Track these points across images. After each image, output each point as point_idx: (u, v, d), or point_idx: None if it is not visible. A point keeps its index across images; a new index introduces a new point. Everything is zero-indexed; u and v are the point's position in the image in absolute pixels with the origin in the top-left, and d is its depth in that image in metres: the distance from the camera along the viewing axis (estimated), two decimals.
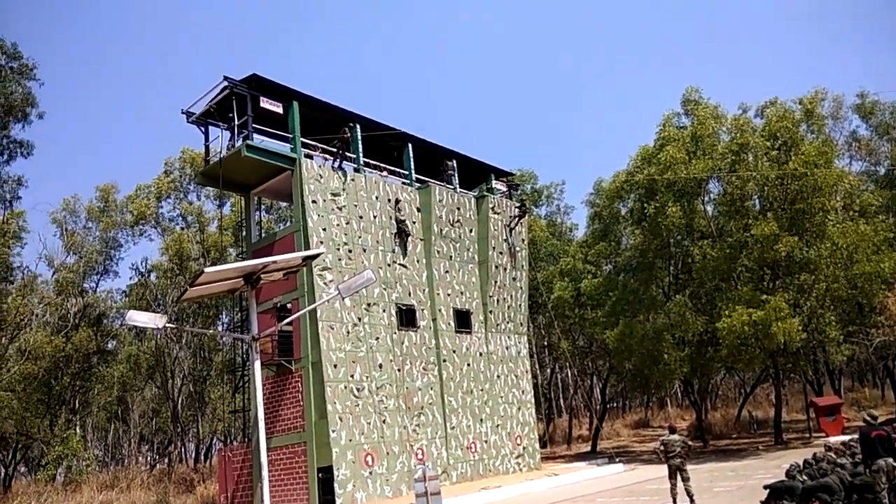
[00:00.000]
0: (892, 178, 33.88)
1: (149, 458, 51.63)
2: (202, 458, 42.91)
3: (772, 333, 22.65)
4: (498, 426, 23.60)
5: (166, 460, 44.22)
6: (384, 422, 19.40)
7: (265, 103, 19.18)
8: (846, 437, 18.75)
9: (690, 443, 14.77)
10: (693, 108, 28.83)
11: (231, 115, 19.32)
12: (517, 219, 25.62)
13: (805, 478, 10.92)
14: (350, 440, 18.26)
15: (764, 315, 22.68)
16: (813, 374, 38.53)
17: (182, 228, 36.85)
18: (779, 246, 23.83)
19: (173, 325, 9.38)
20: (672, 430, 14.33)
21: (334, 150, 20.19)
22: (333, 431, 17.93)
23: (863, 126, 35.25)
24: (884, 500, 9.83)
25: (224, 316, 39.59)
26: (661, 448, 13.90)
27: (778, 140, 26.35)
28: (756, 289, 25.08)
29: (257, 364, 9.10)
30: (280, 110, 19.61)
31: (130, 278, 39.95)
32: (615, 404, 53.29)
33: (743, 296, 24.37)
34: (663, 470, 14.73)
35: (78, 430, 37.66)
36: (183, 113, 20.02)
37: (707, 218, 28.76)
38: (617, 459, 26.36)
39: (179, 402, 40.47)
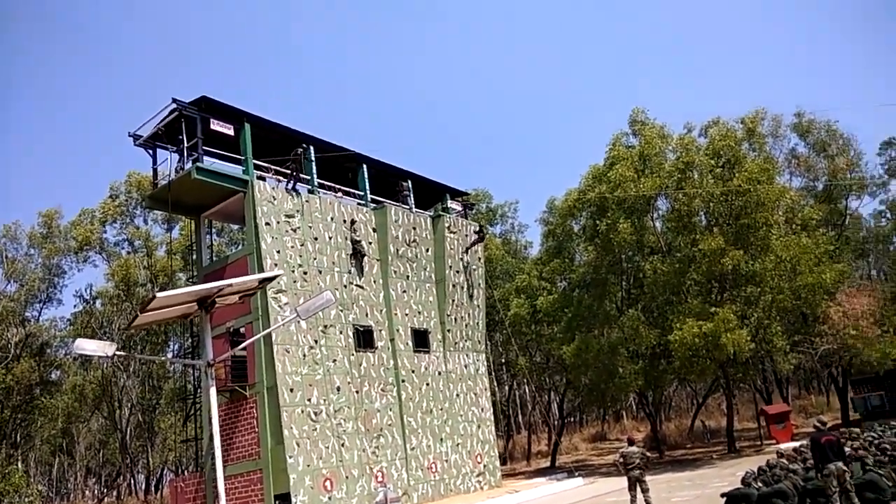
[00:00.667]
0: (829, 193, 35.38)
1: (96, 492, 49.59)
2: (153, 489, 41.48)
3: (721, 344, 23.25)
4: (458, 445, 23.49)
5: (115, 493, 42.55)
6: (343, 445, 19.11)
7: (216, 125, 18.90)
8: (796, 444, 19.31)
9: (649, 454, 14.98)
10: (640, 129, 29.65)
11: (180, 137, 18.97)
12: (475, 243, 25.73)
13: (760, 484, 11.20)
14: (308, 465, 17.91)
15: (713, 327, 23.28)
16: (762, 383, 39.66)
17: (129, 253, 35.85)
18: (725, 260, 24.56)
19: (123, 353, 9.10)
20: (630, 443, 14.51)
21: (288, 171, 19.99)
22: (290, 457, 17.56)
23: (801, 144, 36.75)
24: (836, 503, 10.13)
25: (173, 342, 38.55)
26: (621, 460, 14.06)
27: (721, 158, 27.27)
28: (705, 301, 25.76)
29: (212, 391, 8.86)
30: (231, 132, 19.35)
31: (75, 306, 38.65)
32: (573, 419, 53.66)
33: (693, 309, 24.99)
34: (622, 482, 14.88)
35: (20, 465, 35.97)
36: (130, 136, 19.54)
37: (656, 234, 29.49)
38: (576, 473, 26.52)
39: (128, 432, 39.12)
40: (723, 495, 11.45)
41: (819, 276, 25.14)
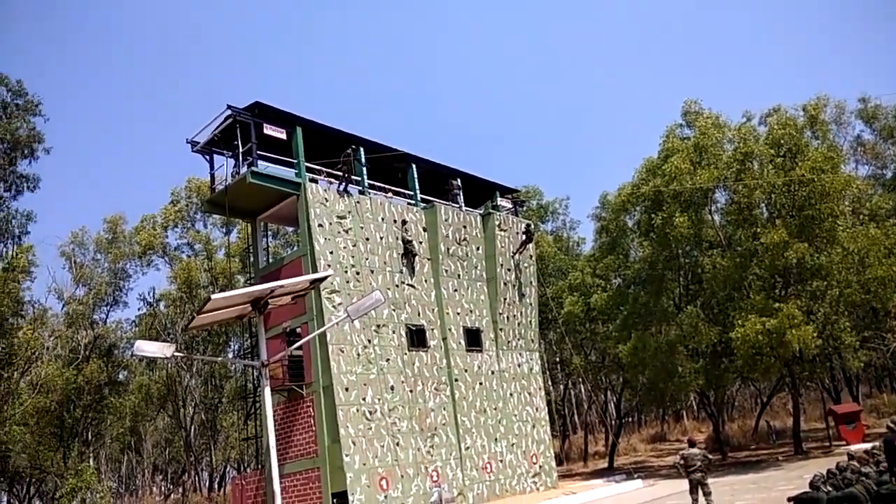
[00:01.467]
0: None
1: (163, 489, 51.41)
2: (216, 486, 42.66)
3: (786, 341, 22.39)
4: (513, 445, 23.32)
5: (180, 490, 43.92)
6: (398, 444, 19.20)
7: (269, 130, 19.27)
8: (868, 445, 18.43)
9: (710, 456, 14.55)
10: (694, 119, 28.83)
11: (235, 142, 19.42)
12: (524, 244, 25.48)
13: (829, 488, 10.69)
14: (364, 464, 18.07)
15: (777, 323, 22.44)
16: (830, 382, 38.03)
17: (189, 257, 36.98)
18: (789, 253, 23.64)
19: (182, 354, 9.35)
20: (692, 444, 14.12)
21: (339, 173, 20.23)
22: (347, 456, 17.74)
23: (867, 130, 35.17)
24: None
25: (234, 342, 39.58)
26: (681, 462, 13.69)
27: (782, 147, 26.27)
28: (768, 297, 24.85)
29: (267, 390, 9.02)
30: (284, 136, 19.70)
31: (139, 308, 40.07)
32: (630, 419, 52.69)
33: (755, 304, 24.14)
34: (683, 485, 14.49)
35: (91, 463, 37.50)
36: (188, 142, 20.12)
37: (715, 227, 28.60)
38: (635, 475, 25.98)
39: (192, 430, 40.34)
40: (790, 499, 10.98)
41: (890, 269, 23.90)
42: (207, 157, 20.72)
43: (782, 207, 26.16)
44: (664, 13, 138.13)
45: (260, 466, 20.57)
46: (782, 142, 26.17)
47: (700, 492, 13.35)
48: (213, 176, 20.93)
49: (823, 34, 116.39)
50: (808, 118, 29.25)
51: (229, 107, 18.96)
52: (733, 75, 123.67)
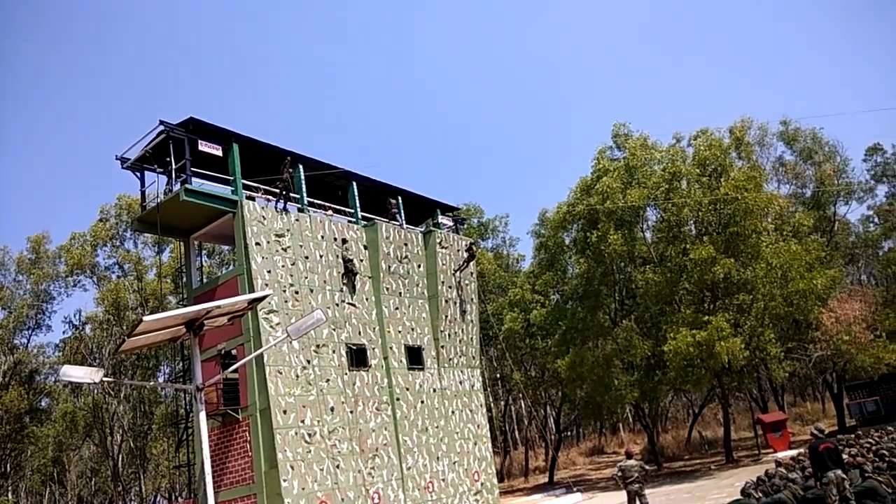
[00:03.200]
0: (818, 200, 35.64)
1: None
2: None
3: (716, 353, 23.23)
4: (455, 463, 23.26)
5: None
6: (338, 467, 18.86)
7: (203, 146, 18.80)
8: (794, 452, 19.24)
9: (647, 467, 14.87)
10: (624, 141, 29.86)
11: (168, 159, 18.87)
12: (466, 263, 25.65)
13: (760, 495, 11.09)
14: (303, 489, 17.64)
15: (707, 336, 23.28)
16: (757, 392, 39.63)
17: (119, 277, 35.58)
18: (716, 268, 24.61)
19: (111, 379, 8.92)
20: (629, 456, 14.40)
21: (277, 190, 19.92)
22: (285, 481, 17.29)
23: (788, 151, 37.08)
24: None
25: (165, 366, 38.17)
26: (619, 474, 13.95)
27: (708, 167, 27.44)
28: (698, 311, 25.77)
29: (202, 415, 8.73)
30: (219, 153, 19.25)
31: (64, 332, 38.23)
32: (569, 433, 53.40)
33: (686, 318, 24.99)
34: (622, 496, 14.76)
35: (10, 496, 35.34)
36: (117, 159, 19.43)
37: (647, 244, 29.56)
38: (575, 489, 26.30)
39: (120, 459, 38.58)
40: None
41: (810, 283, 25.23)
42: (138, 174, 20.05)
43: (709, 225, 27.25)
44: (601, 36, 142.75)
45: (193, 495, 19.80)
46: (708, 162, 27.34)
47: (638, 502, 13.62)
48: (143, 193, 20.24)
49: (750, 58, 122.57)
50: (734, 139, 30.69)
51: (162, 122, 18.44)
52: (665, 98, 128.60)
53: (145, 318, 7.39)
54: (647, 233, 30.12)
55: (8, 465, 36.74)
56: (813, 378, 45.21)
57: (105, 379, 7.94)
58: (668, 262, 28.01)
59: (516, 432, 52.80)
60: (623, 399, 28.72)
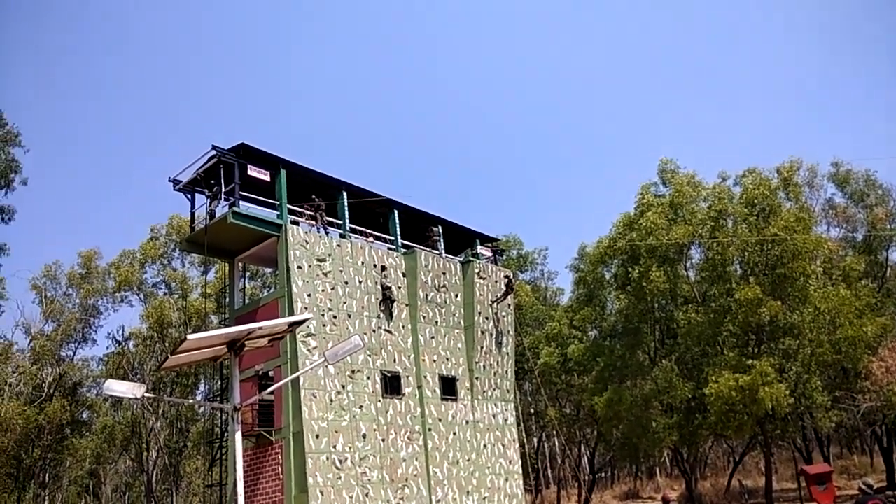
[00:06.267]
0: (869, 245, 34.57)
1: None
2: None
3: (759, 399, 22.52)
4: (485, 499, 22.88)
5: None
6: (367, 495, 18.75)
7: (252, 171, 19.31)
8: None
9: None
10: (670, 178, 29.54)
11: (217, 182, 19.41)
12: (504, 295, 25.55)
13: None
14: None
15: (751, 380, 22.60)
16: (802, 442, 38.16)
17: (165, 295, 36.45)
18: (762, 310, 23.99)
19: (151, 395, 9.12)
20: (666, 501, 14.04)
21: (311, 214, 20.41)
22: None
23: (838, 194, 36.20)
24: None
25: (203, 385, 38.73)
26: None
27: (756, 207, 26.93)
28: (741, 354, 25.09)
29: (238, 435, 8.81)
30: (267, 178, 19.73)
31: (108, 347, 39.18)
32: (604, 474, 52.07)
33: (729, 361, 24.34)
34: None
35: None
36: (170, 181, 20.08)
37: (690, 283, 29.01)
38: None
39: (154, 475, 39.03)
40: None
41: (860, 330, 24.34)
42: (189, 196, 20.66)
43: (756, 265, 26.64)
44: (646, 74, 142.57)
45: None
46: (756, 201, 26.84)
47: None
48: (193, 215, 20.83)
49: (800, 100, 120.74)
50: (782, 180, 30.11)
51: (214, 147, 19.02)
52: (710, 137, 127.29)
53: (190, 337, 7.55)
54: (691, 271, 29.59)
55: (47, 475, 37.52)
56: (861, 430, 43.30)
57: (146, 395, 8.11)
58: (711, 302, 27.42)
59: (549, 470, 51.75)
60: (661, 442, 27.97)
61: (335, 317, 19.62)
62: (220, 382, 21.76)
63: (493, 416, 24.49)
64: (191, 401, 37.81)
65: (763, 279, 25.60)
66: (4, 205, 29.10)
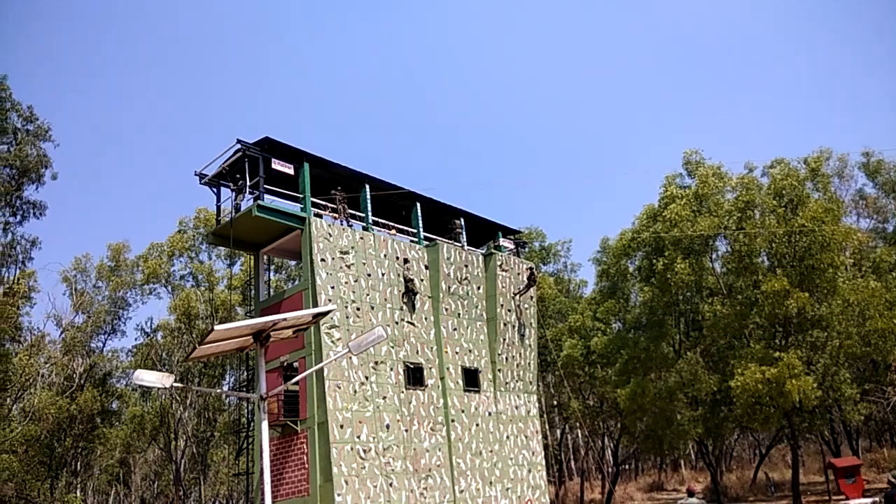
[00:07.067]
0: None
1: None
2: None
3: (786, 391, 22.25)
4: (508, 490, 22.96)
5: None
6: (391, 485, 18.92)
7: (277, 165, 19.48)
8: (868, 500, 18.20)
9: None
10: (695, 169, 29.18)
11: (242, 175, 19.62)
12: (527, 288, 25.50)
13: None
14: None
15: (777, 373, 22.34)
16: (829, 434, 37.61)
17: (192, 287, 36.98)
18: (789, 302, 23.66)
19: (180, 385, 9.29)
20: (690, 494, 13.95)
21: (334, 206, 20.54)
22: (339, 495, 17.46)
23: (869, 184, 35.51)
24: None
25: (230, 375, 39.29)
26: None
27: (784, 197, 26.52)
28: (768, 346, 24.79)
29: (264, 424, 8.96)
30: (291, 171, 19.90)
31: (136, 338, 39.92)
32: (628, 466, 51.86)
33: (755, 353, 24.06)
34: None
35: (79, 494, 36.89)
36: (196, 175, 20.34)
37: (715, 275, 28.69)
38: None
39: (182, 464, 39.74)
40: None
41: (890, 322, 23.89)
42: (215, 190, 20.91)
43: (783, 257, 26.26)
44: (671, 64, 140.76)
45: (250, 503, 20.23)
46: (784, 192, 26.42)
47: None
48: (219, 208, 21.09)
49: (828, 88, 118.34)
50: (810, 170, 29.61)
51: (239, 141, 19.22)
52: (736, 127, 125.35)
53: (217, 328, 7.68)
54: (716, 263, 29.25)
55: (78, 464, 38.38)
56: (891, 423, 42.54)
57: (175, 384, 8.27)
58: (737, 294, 27.12)
59: (572, 462, 51.69)
60: (686, 434, 27.78)
61: (358, 309, 19.77)
62: (246, 373, 22.10)
63: (516, 408, 24.52)
64: (218, 390, 38.41)
65: (791, 271, 25.23)
66: (36, 200, 29.72)
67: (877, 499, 14.85)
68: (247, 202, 19.60)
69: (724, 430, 29.33)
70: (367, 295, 20.21)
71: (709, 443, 32.61)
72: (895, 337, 24.56)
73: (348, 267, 19.93)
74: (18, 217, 29.41)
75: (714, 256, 29.06)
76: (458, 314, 23.12)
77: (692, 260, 26.89)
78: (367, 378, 19.32)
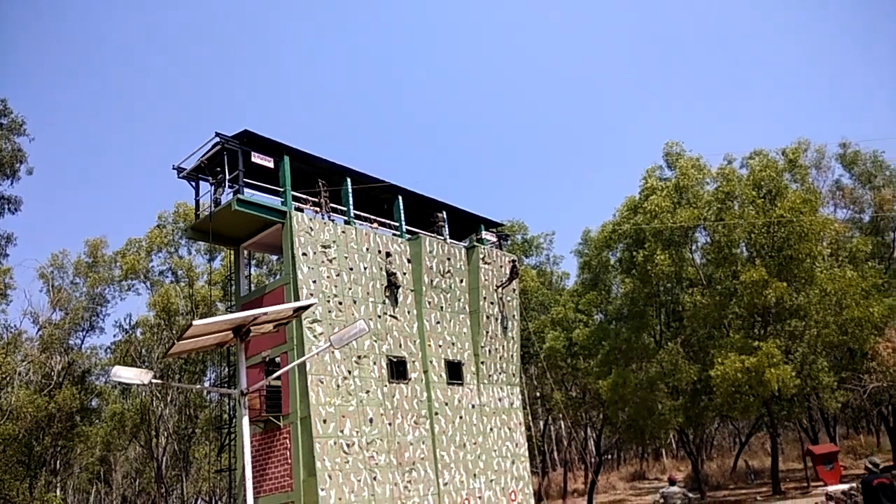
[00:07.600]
0: (877, 226, 34.40)
1: None
2: None
3: (765, 380, 22.56)
4: (492, 481, 23.05)
5: None
6: (375, 479, 18.90)
7: (256, 158, 19.26)
8: (845, 486, 18.49)
9: (691, 495, 14.50)
10: (675, 161, 29.39)
11: (222, 169, 19.38)
12: (509, 281, 25.54)
13: None
14: (340, 499, 17.72)
15: (756, 362, 22.63)
16: (808, 422, 38.23)
17: (171, 283, 36.57)
18: (768, 292, 23.95)
19: (159, 381, 9.21)
20: (672, 482, 14.08)
21: (322, 203, 20.34)
22: (322, 490, 17.41)
23: (846, 175, 35.98)
24: None
25: (210, 372, 38.96)
26: (661, 501, 13.65)
27: (762, 189, 26.80)
28: (747, 336, 25.10)
29: (245, 420, 8.89)
30: (271, 165, 19.69)
31: (115, 335, 39.43)
32: (610, 456, 52.31)
33: (735, 343, 24.35)
34: None
35: (58, 493, 36.45)
36: (174, 168, 20.06)
37: (695, 266, 28.95)
38: None
39: (163, 461, 39.40)
40: None
41: (866, 311, 24.30)
42: (193, 184, 20.64)
43: (762, 247, 26.56)
44: (649, 57, 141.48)
45: (232, 500, 20.12)
46: (763, 183, 26.70)
47: None
48: (198, 202, 20.82)
49: (806, 79, 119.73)
50: (788, 161, 29.94)
51: (218, 134, 18.97)
52: (716, 119, 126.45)
53: (196, 322, 7.59)
54: (696, 254, 29.53)
55: (58, 463, 37.90)
56: (867, 410, 43.32)
57: (154, 381, 8.16)
58: (717, 284, 27.39)
59: (555, 453, 52.03)
60: (667, 424, 28.07)
61: (340, 303, 19.67)
62: (227, 369, 21.93)
63: (499, 400, 24.60)
64: (199, 386, 38.08)
65: (769, 261, 25.53)
66: (10, 195, 29.16)
67: (854, 484, 15.09)
68: (226, 196, 19.38)
69: (705, 419, 29.70)
70: (350, 289, 20.12)
71: (690, 432, 32.99)
72: (871, 326, 24.99)
73: (330, 261, 19.81)
74: None
75: (694, 248, 29.34)
76: (441, 307, 23.10)
77: (672, 251, 27.13)
78: (350, 372, 19.25)
